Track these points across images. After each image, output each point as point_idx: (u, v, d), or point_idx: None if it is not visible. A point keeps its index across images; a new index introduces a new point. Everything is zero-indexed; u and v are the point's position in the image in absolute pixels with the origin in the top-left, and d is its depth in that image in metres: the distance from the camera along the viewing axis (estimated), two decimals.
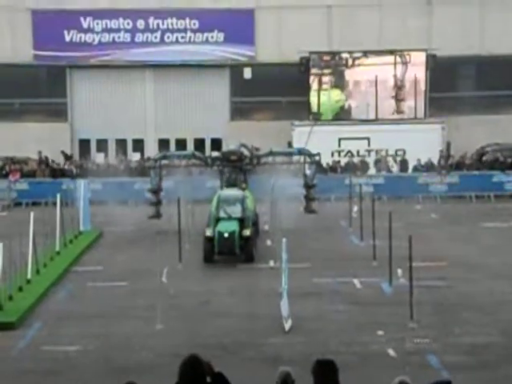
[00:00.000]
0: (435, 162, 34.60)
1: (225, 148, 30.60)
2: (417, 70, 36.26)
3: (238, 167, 25.51)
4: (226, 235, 21.00)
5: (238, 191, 23.42)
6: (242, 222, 21.51)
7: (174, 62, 37.35)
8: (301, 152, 27.27)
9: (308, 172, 26.55)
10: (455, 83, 38.03)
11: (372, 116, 36.21)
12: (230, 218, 21.54)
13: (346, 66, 36.38)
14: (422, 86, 36.36)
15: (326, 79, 36.60)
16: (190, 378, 6.24)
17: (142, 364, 13.56)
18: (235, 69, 37.68)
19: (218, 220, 21.53)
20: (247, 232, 21.37)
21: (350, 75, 36.53)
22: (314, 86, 36.48)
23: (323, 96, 36.55)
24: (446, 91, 36.91)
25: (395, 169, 35.06)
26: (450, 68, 36.87)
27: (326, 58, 36.41)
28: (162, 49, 37.48)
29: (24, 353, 14.78)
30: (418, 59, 36.24)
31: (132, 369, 12.65)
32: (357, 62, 36.28)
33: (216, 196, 22.64)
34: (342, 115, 36.61)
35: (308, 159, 26.58)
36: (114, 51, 37.56)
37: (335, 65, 36.41)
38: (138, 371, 11.10)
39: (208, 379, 6.44)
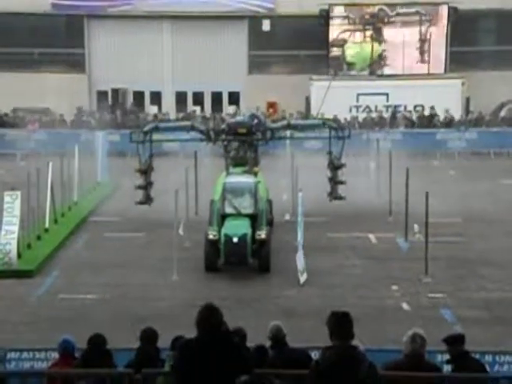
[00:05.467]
0: (455, 117, 34.28)
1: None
2: (438, 23, 35.83)
3: (247, 142, 20.39)
4: (235, 240, 16.40)
5: (248, 178, 18.59)
6: (254, 219, 17.05)
7: (192, 12, 36.96)
8: (325, 124, 21.97)
9: (334, 149, 21.32)
10: (477, 37, 37.46)
11: (400, 69, 35.94)
12: (239, 215, 17.14)
13: (382, 22, 36.06)
14: (443, 40, 35.90)
15: (358, 33, 36.37)
16: (208, 325, 6.33)
17: (157, 313, 13.73)
18: (254, 21, 37.26)
19: (223, 217, 17.13)
20: (262, 234, 16.70)
21: (382, 30, 36.28)
22: (351, 38, 36.25)
23: (356, 47, 36.28)
24: (468, 45, 36.38)
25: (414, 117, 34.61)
26: (472, 22, 36.29)
27: (366, 15, 36.06)
28: None
29: (42, 300, 15.00)
30: (440, 12, 35.75)
31: (148, 318, 12.79)
32: (390, 19, 35.98)
33: (220, 183, 18.23)
34: (374, 67, 36.34)
35: (334, 133, 21.33)
36: (132, 1, 37.22)
37: (366, 22, 36.16)
38: (154, 320, 11.22)
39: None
